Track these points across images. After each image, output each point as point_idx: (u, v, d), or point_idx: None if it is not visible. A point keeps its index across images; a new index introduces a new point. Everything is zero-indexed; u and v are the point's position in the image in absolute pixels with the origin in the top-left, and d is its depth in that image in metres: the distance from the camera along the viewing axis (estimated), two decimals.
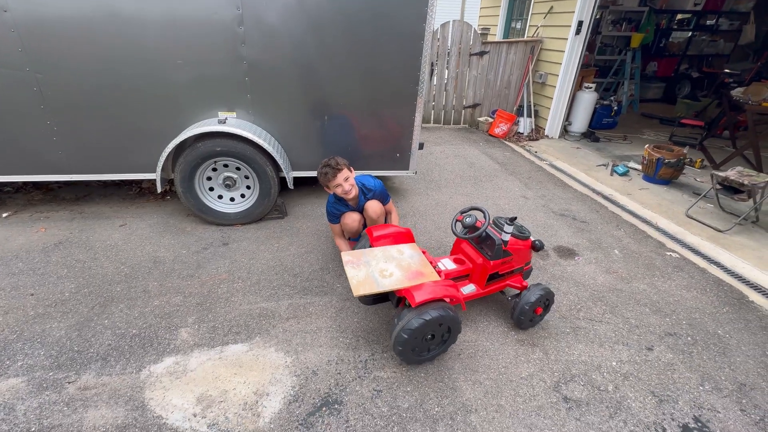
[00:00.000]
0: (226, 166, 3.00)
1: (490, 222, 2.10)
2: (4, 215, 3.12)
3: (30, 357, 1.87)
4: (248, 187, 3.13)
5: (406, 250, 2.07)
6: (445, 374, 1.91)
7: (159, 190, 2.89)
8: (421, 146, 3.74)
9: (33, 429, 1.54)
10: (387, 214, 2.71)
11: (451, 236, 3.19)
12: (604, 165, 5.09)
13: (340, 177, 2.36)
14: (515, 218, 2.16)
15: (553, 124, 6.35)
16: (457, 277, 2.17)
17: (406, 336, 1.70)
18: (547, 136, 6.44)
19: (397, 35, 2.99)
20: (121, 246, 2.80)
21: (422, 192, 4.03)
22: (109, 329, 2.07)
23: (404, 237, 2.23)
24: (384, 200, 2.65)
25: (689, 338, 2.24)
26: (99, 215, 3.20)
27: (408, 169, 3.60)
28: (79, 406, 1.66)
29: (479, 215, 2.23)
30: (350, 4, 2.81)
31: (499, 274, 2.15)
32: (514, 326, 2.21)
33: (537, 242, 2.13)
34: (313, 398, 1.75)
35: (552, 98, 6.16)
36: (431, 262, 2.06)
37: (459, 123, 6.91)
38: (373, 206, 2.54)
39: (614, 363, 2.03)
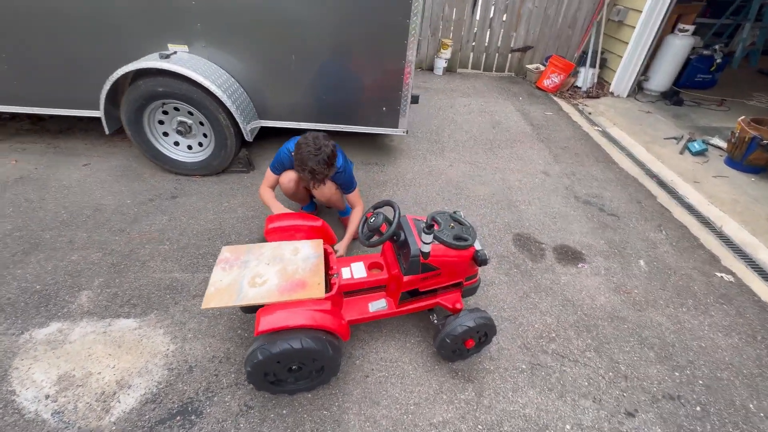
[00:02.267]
0: (176, 109, 2.65)
1: (397, 224, 1.53)
2: None
3: None
4: (205, 135, 2.79)
5: (305, 249, 1.61)
6: (336, 400, 1.56)
7: (106, 131, 2.66)
8: (415, 99, 3.08)
9: None
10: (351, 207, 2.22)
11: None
12: (675, 138, 3.95)
13: (317, 185, 1.94)
14: (456, 212, 1.61)
15: (623, 78, 5.04)
16: (367, 289, 1.70)
17: (260, 357, 1.32)
18: (611, 94, 5.17)
19: None
20: (74, 188, 2.70)
21: (418, 155, 3.41)
22: (17, 281, 1.98)
23: (314, 231, 1.76)
24: (346, 187, 2.14)
25: (698, 409, 1.61)
26: (70, 152, 3.12)
27: (397, 127, 2.98)
28: None
29: (391, 214, 1.65)
30: None
31: (419, 292, 1.64)
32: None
33: (480, 253, 1.55)
34: (173, 402, 1.51)
35: (628, 43, 4.81)
36: (333, 268, 1.62)
37: (503, 70, 5.80)
38: (321, 191, 2.08)
39: (568, 427, 1.52)
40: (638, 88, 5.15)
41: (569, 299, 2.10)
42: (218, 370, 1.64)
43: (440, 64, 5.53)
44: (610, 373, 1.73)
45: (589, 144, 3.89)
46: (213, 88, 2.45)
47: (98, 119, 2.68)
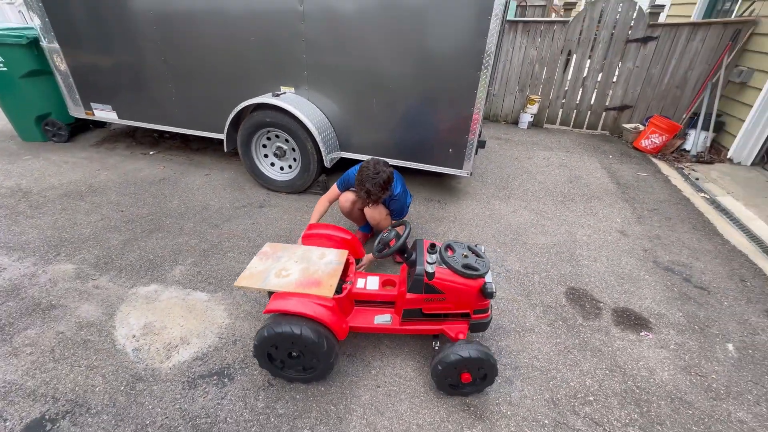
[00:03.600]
0: (277, 136, 3.26)
1: (405, 238, 1.62)
2: (151, 153, 4.25)
3: (89, 253, 2.53)
4: (295, 159, 3.33)
5: (330, 255, 1.82)
6: (345, 399, 1.64)
7: (225, 149, 3.38)
8: (482, 144, 3.20)
9: (43, 300, 2.11)
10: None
11: None
12: None
13: (371, 205, 2.22)
14: (478, 245, 1.65)
15: (746, 144, 4.41)
16: (378, 302, 1.79)
17: (265, 334, 1.52)
18: (730, 161, 4.53)
19: (459, 11, 2.56)
20: (194, 190, 3.43)
21: (482, 198, 3.46)
22: (140, 250, 2.59)
23: (344, 243, 1.96)
24: (396, 214, 2.34)
25: None
26: (200, 164, 4.00)
27: (461, 169, 3.12)
28: (84, 298, 2.16)
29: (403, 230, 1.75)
30: None
31: (423, 314, 1.66)
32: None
33: (489, 286, 1.54)
34: (215, 364, 1.79)
35: (753, 106, 4.24)
36: (348, 277, 1.78)
37: (595, 128, 5.55)
38: (372, 213, 2.32)
39: None
40: (766, 157, 4.41)
41: (620, 366, 1.86)
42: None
43: (526, 118, 5.58)
44: None
45: (688, 210, 3.43)
46: (306, 122, 2.97)
47: (223, 141, 3.42)
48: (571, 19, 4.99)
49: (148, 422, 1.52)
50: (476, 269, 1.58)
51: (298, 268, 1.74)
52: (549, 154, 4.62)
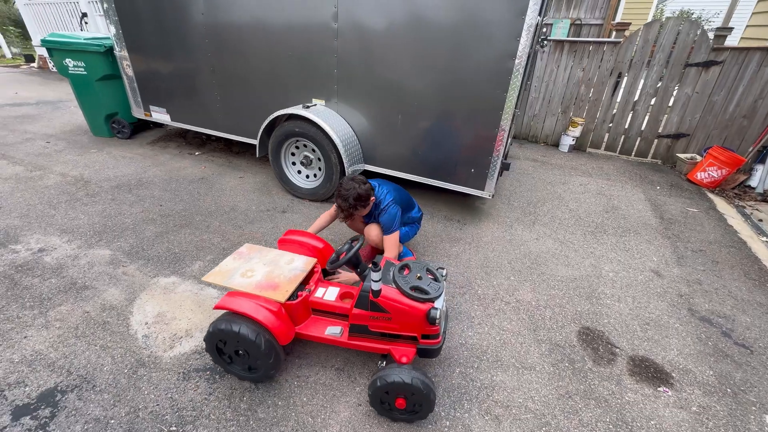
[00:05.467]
0: (305, 146, 3.39)
1: (354, 253, 1.60)
2: (197, 153, 4.61)
3: (125, 241, 2.79)
4: (320, 169, 3.44)
5: (297, 262, 1.88)
6: (323, 413, 1.64)
7: (256, 155, 3.58)
8: (506, 167, 3.10)
9: (79, 281, 2.34)
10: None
11: (481, 285, 2.56)
12: None
13: (344, 219, 2.26)
14: (440, 269, 1.64)
15: None
16: (332, 313, 1.79)
17: (211, 330, 1.62)
18: None
19: (488, 32, 2.53)
20: (226, 191, 3.66)
21: (504, 222, 3.33)
22: (168, 243, 2.80)
23: (315, 250, 2.01)
24: (384, 228, 2.25)
25: None
26: (236, 167, 4.26)
27: (483, 190, 3.05)
28: (112, 282, 2.37)
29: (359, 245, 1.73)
30: (437, 1, 2.58)
31: (369, 331, 1.63)
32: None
33: (433, 312, 1.48)
34: (210, 359, 1.87)
35: None
36: (309, 285, 1.83)
37: (645, 156, 5.16)
38: (371, 232, 2.34)
39: None
40: None
41: (627, 422, 1.68)
42: None
43: (567, 141, 5.32)
44: None
45: (741, 255, 3.06)
46: (332, 134, 3.07)
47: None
48: (622, 40, 4.72)
49: (140, 407, 1.63)
50: (426, 292, 1.54)
51: (264, 270, 1.81)
52: (587, 180, 4.35)
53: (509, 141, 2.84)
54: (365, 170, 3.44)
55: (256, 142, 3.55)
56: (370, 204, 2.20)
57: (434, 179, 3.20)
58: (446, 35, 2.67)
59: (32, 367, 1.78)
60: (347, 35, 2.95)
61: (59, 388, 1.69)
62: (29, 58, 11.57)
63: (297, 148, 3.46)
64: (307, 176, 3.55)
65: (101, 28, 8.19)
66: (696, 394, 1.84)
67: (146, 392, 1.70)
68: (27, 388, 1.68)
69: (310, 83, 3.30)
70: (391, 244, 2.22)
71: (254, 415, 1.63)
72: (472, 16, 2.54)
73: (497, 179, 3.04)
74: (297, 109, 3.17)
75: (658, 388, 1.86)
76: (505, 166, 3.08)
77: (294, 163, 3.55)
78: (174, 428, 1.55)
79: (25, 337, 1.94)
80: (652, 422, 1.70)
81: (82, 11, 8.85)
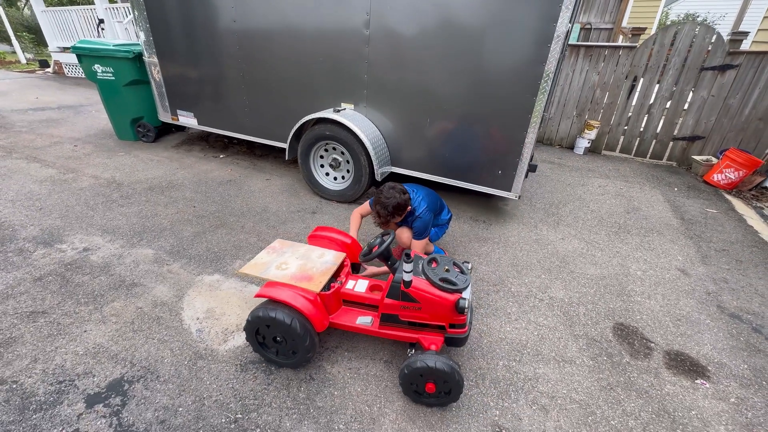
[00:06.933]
0: (334, 149, 3.48)
1: (387, 246, 1.70)
2: (221, 156, 4.71)
3: (165, 241, 2.88)
4: (348, 171, 3.53)
5: (328, 256, 1.98)
6: (379, 402, 1.72)
7: (286, 158, 3.68)
8: (533, 168, 3.19)
9: (127, 278, 2.43)
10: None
11: (514, 283, 2.64)
12: None
13: (380, 224, 2.35)
14: (465, 263, 1.73)
15: None
16: (363, 304, 1.89)
17: (248, 319, 1.73)
18: None
19: (517, 36, 2.62)
20: (255, 193, 3.76)
21: (529, 223, 3.41)
22: (206, 243, 2.89)
23: (344, 246, 2.11)
24: (416, 234, 2.32)
25: None
26: (262, 169, 4.36)
27: (510, 191, 3.13)
28: (159, 280, 2.46)
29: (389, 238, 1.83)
30: (468, 7, 2.67)
31: (399, 320, 1.72)
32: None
33: (461, 301, 1.57)
34: None
35: None
36: (340, 277, 1.93)
37: (660, 158, 5.23)
38: (402, 235, 2.42)
39: None
40: None
41: (668, 412, 1.75)
42: None
43: (582, 143, 5.40)
44: None
45: (765, 254, 3.12)
46: (362, 137, 3.17)
47: (284, 150, 3.73)
48: (638, 44, 4.81)
49: (205, 396, 1.71)
50: (454, 284, 1.62)
51: (297, 263, 1.91)
52: (605, 182, 4.43)
53: (534, 144, 2.92)
54: (392, 173, 3.53)
55: (285, 145, 3.65)
56: (406, 212, 2.29)
57: (461, 181, 3.29)
58: (477, 41, 2.76)
59: (97, 359, 1.87)
60: (378, 41, 3.05)
61: (126, 378, 1.78)
62: (43, 64, 11.78)
63: (326, 150, 3.56)
64: (335, 178, 3.64)
65: (119, 35, 8.34)
66: (733, 386, 1.91)
67: (208, 382, 1.78)
68: (95, 378, 1.77)
69: (340, 88, 3.40)
70: (419, 248, 2.32)
71: (313, 403, 1.71)
72: (504, 22, 2.63)
73: (523, 181, 3.12)
74: (328, 113, 3.27)
75: (696, 381, 1.93)
76: (531, 168, 3.17)
77: (322, 166, 3.65)
78: (240, 415, 1.63)
79: (85, 331, 2.03)
80: (693, 412, 1.76)
81: (99, 18, 9.03)
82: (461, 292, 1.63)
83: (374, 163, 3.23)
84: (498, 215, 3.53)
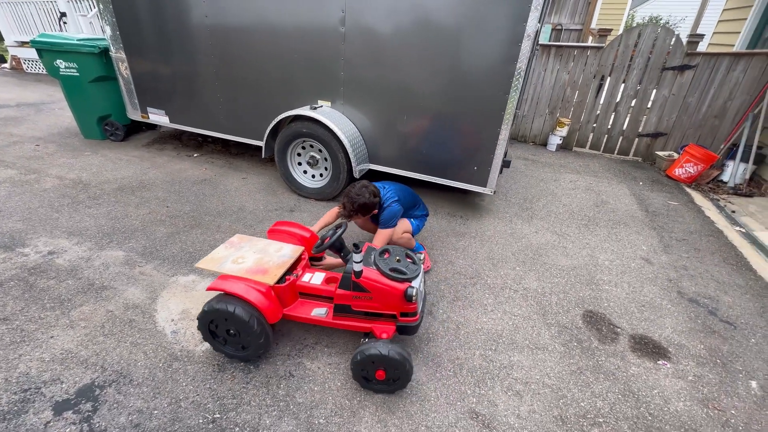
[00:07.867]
0: (311, 146, 3.47)
1: (337, 237, 1.77)
2: (195, 155, 4.59)
3: (137, 242, 2.79)
4: (326, 168, 3.52)
5: (285, 250, 2.00)
6: (358, 396, 1.74)
7: (262, 156, 3.63)
8: (507, 164, 3.28)
9: (96, 281, 2.35)
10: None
11: (490, 275, 2.71)
12: None
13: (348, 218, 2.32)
14: (420, 254, 1.76)
15: None
16: (318, 296, 1.92)
17: (205, 309, 1.73)
18: None
19: (490, 35, 2.69)
20: (232, 192, 3.69)
21: (504, 217, 3.51)
22: (181, 243, 2.83)
23: (303, 239, 2.13)
24: (381, 223, 2.30)
25: None
26: (238, 168, 4.28)
27: (485, 187, 3.21)
28: (131, 282, 2.39)
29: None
30: (442, 6, 2.72)
31: (352, 310, 1.77)
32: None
33: (409, 290, 1.62)
34: None
35: None
36: (297, 271, 1.95)
37: (627, 154, 5.49)
38: (367, 224, 2.45)
39: None
40: None
41: (633, 392, 1.86)
42: (281, 341, 2.02)
43: (554, 140, 5.58)
44: None
45: (720, 243, 3.34)
46: (339, 134, 3.17)
47: (260, 148, 3.67)
48: (605, 45, 5.02)
49: (181, 397, 1.68)
50: (404, 273, 1.68)
51: (254, 257, 1.91)
52: (576, 177, 4.60)
53: (508, 140, 3.01)
54: (370, 170, 3.55)
55: (261, 143, 3.60)
56: (371, 213, 2.29)
57: (438, 177, 3.34)
58: (450, 40, 2.82)
59: (65, 365, 1.80)
60: (354, 39, 3.06)
61: (96, 383, 1.72)
62: None
63: (303, 148, 3.54)
64: (313, 176, 3.62)
65: (83, 29, 7.96)
66: (691, 365, 2.04)
67: (184, 384, 1.75)
68: (64, 385, 1.70)
69: (316, 85, 3.39)
70: (383, 237, 2.28)
71: (293, 399, 1.71)
72: (476, 22, 2.69)
73: (498, 176, 3.20)
74: (305, 110, 3.25)
75: (658, 362, 2.05)
76: (505, 164, 3.26)
77: (300, 164, 3.62)
78: (218, 415, 1.61)
79: (52, 336, 1.95)
80: (655, 391, 1.88)
81: (61, 11, 8.58)
82: (411, 281, 1.68)
83: (352, 160, 3.24)
84: (474, 210, 3.61)
